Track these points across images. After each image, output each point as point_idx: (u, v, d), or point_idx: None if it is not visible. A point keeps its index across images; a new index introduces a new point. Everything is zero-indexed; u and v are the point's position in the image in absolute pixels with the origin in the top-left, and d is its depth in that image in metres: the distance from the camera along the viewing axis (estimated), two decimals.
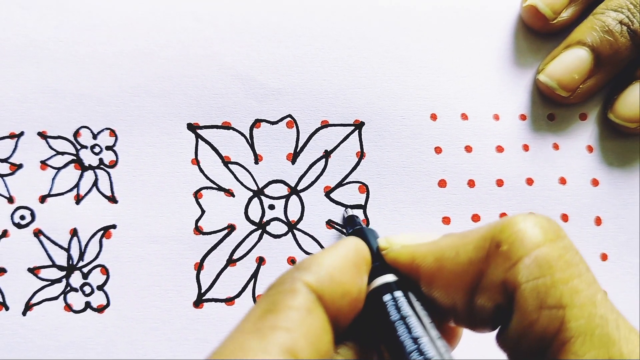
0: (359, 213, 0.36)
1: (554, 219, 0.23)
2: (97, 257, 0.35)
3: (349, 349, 0.24)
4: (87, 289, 0.35)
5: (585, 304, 0.21)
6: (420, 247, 0.25)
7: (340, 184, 0.36)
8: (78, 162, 0.36)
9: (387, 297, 0.24)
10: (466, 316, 0.24)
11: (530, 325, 0.21)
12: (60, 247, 0.35)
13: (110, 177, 0.36)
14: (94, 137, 0.36)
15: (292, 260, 0.36)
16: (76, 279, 0.35)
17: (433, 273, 0.24)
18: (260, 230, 0.36)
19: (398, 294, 0.24)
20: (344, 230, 0.36)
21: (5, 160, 0.36)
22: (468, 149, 0.37)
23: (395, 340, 0.22)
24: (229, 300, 0.35)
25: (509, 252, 0.22)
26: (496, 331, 0.24)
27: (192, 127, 0.36)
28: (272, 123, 0.36)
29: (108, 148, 0.36)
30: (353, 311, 0.24)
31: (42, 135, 0.36)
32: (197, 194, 0.36)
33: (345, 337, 0.24)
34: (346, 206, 0.36)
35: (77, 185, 0.36)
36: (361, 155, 0.36)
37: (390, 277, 0.25)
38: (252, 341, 0.20)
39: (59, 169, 0.36)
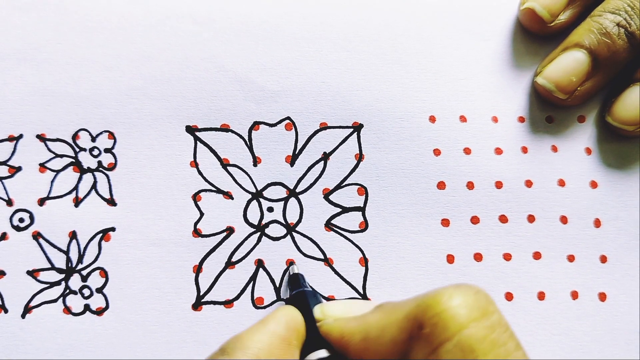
0: (356, 216, 0.36)
1: (485, 292, 0.22)
2: (96, 259, 0.35)
3: None
4: (86, 292, 0.35)
5: None
6: (349, 322, 0.24)
7: (339, 186, 0.36)
8: (77, 164, 0.36)
9: None
10: None
11: None
12: (59, 249, 0.35)
13: (109, 180, 0.36)
14: (93, 139, 0.36)
15: (290, 263, 0.36)
16: (75, 282, 0.35)
17: (360, 351, 0.23)
18: (259, 233, 0.36)
19: None
20: (344, 234, 0.36)
21: (4, 163, 0.36)
22: (467, 151, 0.37)
23: None
24: (228, 303, 0.35)
25: (430, 335, 0.21)
26: None
27: (190, 130, 0.36)
28: (271, 125, 0.37)
29: (107, 151, 0.36)
30: None
31: (41, 137, 0.36)
32: (195, 197, 0.36)
33: None
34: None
35: (76, 188, 0.36)
36: (360, 157, 0.36)
37: (322, 353, 0.25)
38: None
39: (57, 171, 0.36)
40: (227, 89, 0.37)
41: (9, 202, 0.36)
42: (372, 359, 0.23)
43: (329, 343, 0.25)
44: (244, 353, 0.22)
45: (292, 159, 0.36)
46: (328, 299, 0.35)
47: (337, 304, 0.26)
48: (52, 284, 0.35)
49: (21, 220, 0.35)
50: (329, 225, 0.36)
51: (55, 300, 0.35)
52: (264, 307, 0.35)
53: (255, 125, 0.37)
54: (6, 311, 0.35)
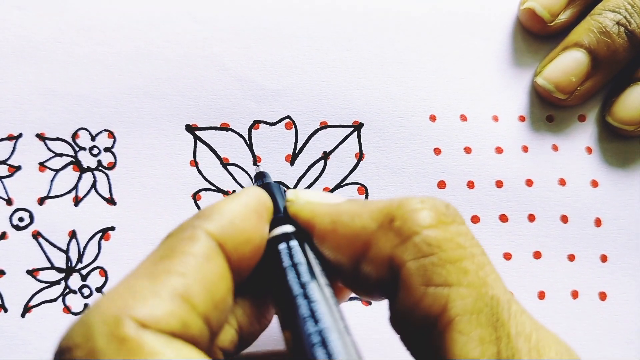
0: None
1: (456, 209, 0.24)
2: (95, 259, 0.35)
3: (247, 300, 0.25)
4: (86, 291, 0.35)
5: (474, 283, 0.21)
6: (322, 205, 0.25)
7: (339, 185, 0.36)
8: (76, 163, 0.36)
9: (282, 246, 0.24)
10: (351, 280, 0.24)
11: (416, 303, 0.21)
12: (59, 249, 0.35)
13: (108, 179, 0.36)
14: (93, 138, 0.36)
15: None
16: (75, 281, 0.35)
17: (326, 232, 0.24)
18: None
19: (293, 243, 0.24)
20: None
21: (3, 162, 0.36)
22: (467, 150, 0.37)
23: (284, 286, 0.23)
24: None
25: (400, 228, 0.22)
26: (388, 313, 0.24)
27: (190, 129, 0.36)
28: (271, 124, 0.36)
29: (106, 150, 0.36)
30: (254, 259, 0.24)
31: (41, 137, 0.36)
32: (195, 196, 0.36)
33: (244, 288, 0.25)
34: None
35: (75, 187, 0.36)
36: (360, 156, 0.36)
37: (288, 228, 0.25)
38: (143, 283, 0.20)
39: (57, 170, 0.36)
40: (227, 88, 0.36)
41: (9, 202, 0.35)
42: (336, 242, 0.24)
43: (295, 223, 0.26)
44: (221, 218, 0.23)
45: (292, 158, 0.36)
46: None
47: (310, 190, 0.27)
48: (52, 284, 0.35)
49: (21, 219, 0.35)
50: None
51: (55, 300, 0.35)
52: None
53: (255, 124, 0.36)
54: (6, 310, 0.35)
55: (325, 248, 0.24)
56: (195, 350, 0.20)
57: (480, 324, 0.20)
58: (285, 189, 0.35)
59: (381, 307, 0.35)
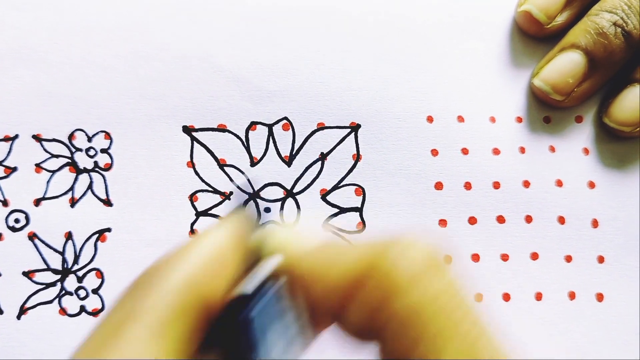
0: (354, 216, 0.36)
1: (438, 246, 0.20)
2: (92, 260, 0.35)
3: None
4: (82, 293, 0.35)
5: (463, 351, 0.19)
6: (293, 252, 0.22)
7: (336, 187, 0.36)
8: (73, 165, 0.36)
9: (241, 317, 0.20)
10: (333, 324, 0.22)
11: (405, 355, 0.19)
12: (55, 250, 0.35)
13: (105, 180, 0.36)
14: (89, 140, 0.36)
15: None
16: (71, 283, 0.35)
17: (297, 286, 0.21)
18: None
19: (253, 313, 0.20)
20: (342, 235, 0.36)
21: None
22: (464, 151, 0.37)
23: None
24: None
25: (377, 288, 0.20)
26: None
27: (187, 130, 0.36)
28: (268, 125, 0.36)
29: (103, 151, 0.36)
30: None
31: (37, 138, 0.36)
32: (192, 197, 0.36)
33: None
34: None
35: (71, 188, 0.36)
36: (357, 157, 0.36)
37: (248, 288, 0.21)
38: None
39: (53, 172, 0.36)
40: (224, 89, 0.36)
41: (5, 203, 0.35)
42: (309, 297, 0.21)
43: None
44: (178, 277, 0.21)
45: (290, 160, 0.36)
46: None
47: (284, 229, 0.24)
48: (48, 285, 0.35)
49: (17, 220, 0.35)
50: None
51: (50, 302, 0.35)
52: None
53: (252, 125, 0.36)
54: (1, 312, 0.34)
55: (298, 300, 0.22)
56: None
57: None
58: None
59: None
